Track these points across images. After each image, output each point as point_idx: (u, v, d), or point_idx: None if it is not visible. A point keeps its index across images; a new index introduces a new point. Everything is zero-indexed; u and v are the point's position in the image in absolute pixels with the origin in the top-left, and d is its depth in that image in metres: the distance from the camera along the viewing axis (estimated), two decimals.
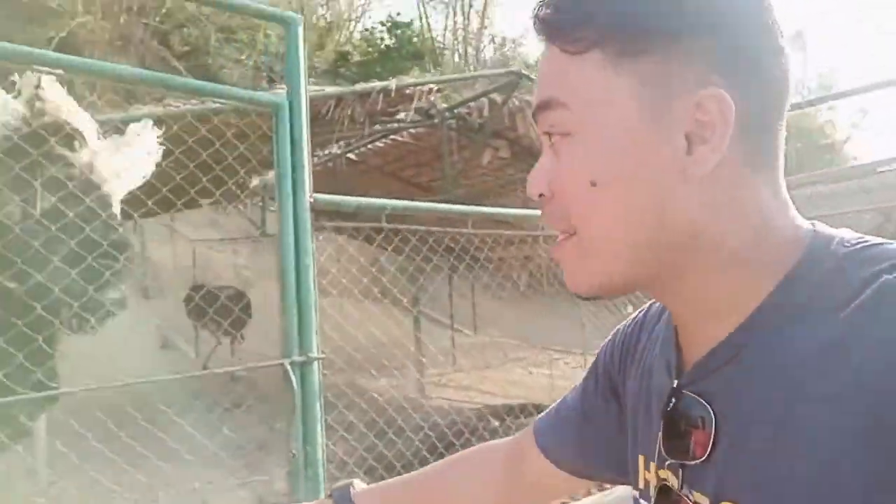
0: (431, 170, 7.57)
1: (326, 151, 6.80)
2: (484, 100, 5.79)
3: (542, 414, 0.84)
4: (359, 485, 0.85)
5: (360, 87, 4.68)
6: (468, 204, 7.40)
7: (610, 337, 0.78)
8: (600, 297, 0.60)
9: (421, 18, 17.41)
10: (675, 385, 0.60)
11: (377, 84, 4.68)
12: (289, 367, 2.16)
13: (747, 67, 0.54)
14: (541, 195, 0.60)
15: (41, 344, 1.79)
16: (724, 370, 0.55)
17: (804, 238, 0.55)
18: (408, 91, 5.06)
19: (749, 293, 0.54)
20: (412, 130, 6.49)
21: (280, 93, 2.34)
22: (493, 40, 19.68)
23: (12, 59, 1.79)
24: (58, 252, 1.83)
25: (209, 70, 14.65)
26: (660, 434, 0.60)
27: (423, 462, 0.97)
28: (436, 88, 5.26)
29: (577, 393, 0.80)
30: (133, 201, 2.21)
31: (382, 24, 17.07)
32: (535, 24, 0.58)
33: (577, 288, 0.60)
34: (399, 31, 16.82)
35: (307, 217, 2.28)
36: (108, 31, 12.54)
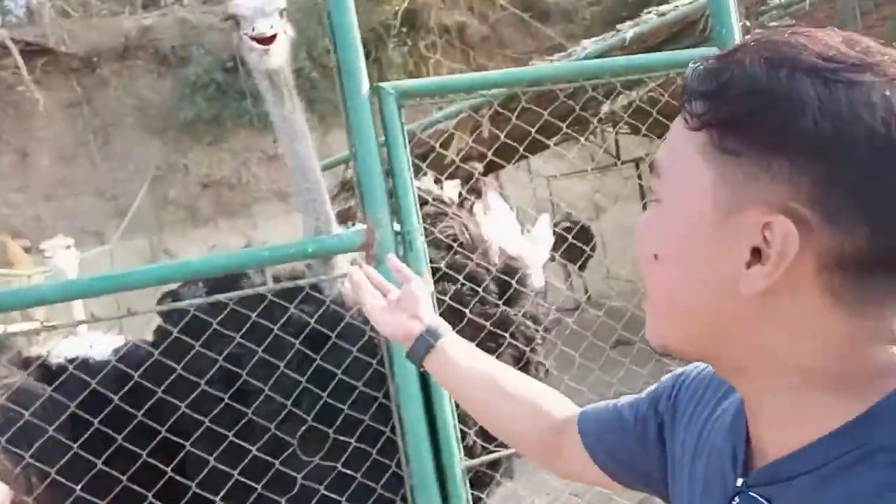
0: None
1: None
2: None
3: (592, 405, 0.91)
4: (451, 336, 0.98)
5: None
6: None
7: (674, 379, 0.80)
8: (670, 356, 0.65)
9: None
10: (739, 483, 0.61)
11: None
12: None
13: (853, 209, 0.51)
14: None
15: None
16: (796, 483, 0.55)
17: None
18: None
19: (831, 412, 0.54)
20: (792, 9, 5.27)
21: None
22: None
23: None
24: None
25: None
26: None
27: None
28: None
29: (630, 408, 0.84)
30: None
31: None
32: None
33: (649, 341, 0.65)
34: None
35: None
36: None
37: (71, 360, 1.61)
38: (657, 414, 0.79)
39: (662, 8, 4.03)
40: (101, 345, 1.70)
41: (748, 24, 5.06)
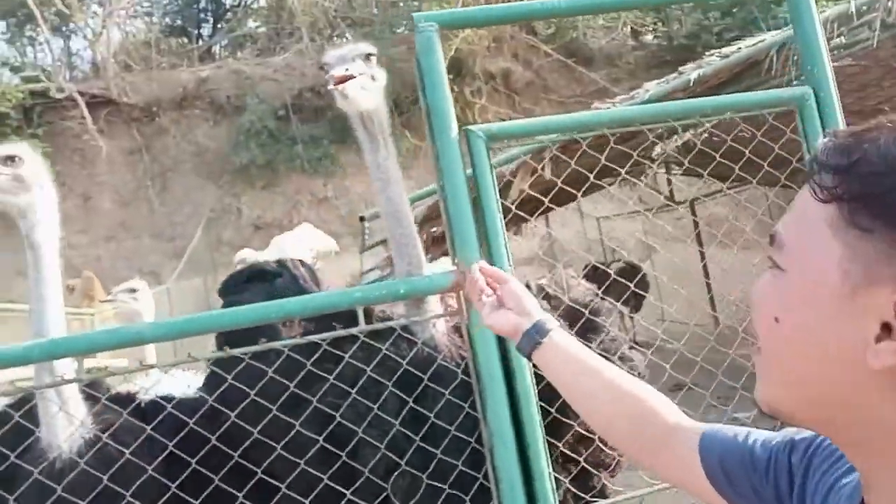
0: (880, 90, 6.04)
1: None
2: None
3: (713, 426, 0.89)
4: (559, 332, 1.04)
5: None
6: None
7: (814, 436, 0.77)
8: (775, 417, 0.65)
9: None
10: None
11: (833, 11, 3.72)
12: None
13: None
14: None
15: None
16: None
17: None
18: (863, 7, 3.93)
19: None
20: (855, 49, 5.18)
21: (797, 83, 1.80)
22: None
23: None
24: None
25: (575, 43, 14.68)
26: None
27: None
28: None
29: (763, 448, 0.82)
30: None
31: None
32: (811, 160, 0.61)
33: (757, 400, 0.65)
34: None
35: None
36: (485, 37, 13.47)
37: (166, 399, 1.63)
38: (791, 465, 0.78)
39: (725, 50, 4.02)
40: (193, 384, 1.72)
41: None
